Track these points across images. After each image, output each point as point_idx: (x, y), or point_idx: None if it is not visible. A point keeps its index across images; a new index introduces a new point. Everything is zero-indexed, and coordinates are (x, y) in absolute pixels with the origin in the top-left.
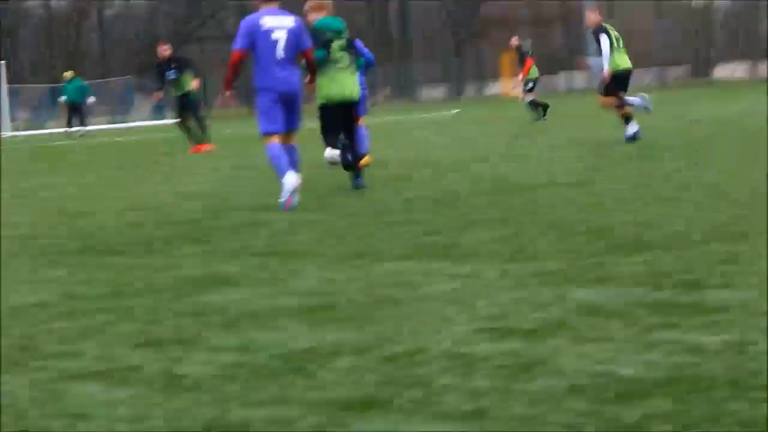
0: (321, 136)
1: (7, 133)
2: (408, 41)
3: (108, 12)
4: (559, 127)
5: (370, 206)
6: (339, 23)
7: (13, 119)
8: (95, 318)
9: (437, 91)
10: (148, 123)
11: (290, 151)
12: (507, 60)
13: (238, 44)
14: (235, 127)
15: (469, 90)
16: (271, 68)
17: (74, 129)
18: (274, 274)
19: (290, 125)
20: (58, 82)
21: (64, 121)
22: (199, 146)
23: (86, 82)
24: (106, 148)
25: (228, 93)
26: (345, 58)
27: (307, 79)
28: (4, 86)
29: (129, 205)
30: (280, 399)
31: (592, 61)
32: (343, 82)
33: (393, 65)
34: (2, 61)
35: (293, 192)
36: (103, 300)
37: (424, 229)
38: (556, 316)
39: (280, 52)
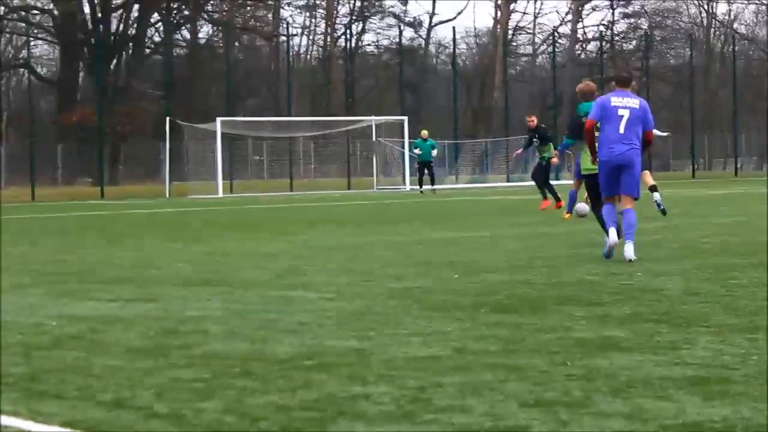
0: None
1: (402, 187)
2: None
3: (511, 72)
4: None
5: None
6: None
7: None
8: (485, 375)
9: None
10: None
11: (625, 213)
12: None
13: (590, 115)
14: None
15: None
16: (610, 142)
17: (427, 188)
18: (666, 342)
19: (621, 190)
20: (456, 139)
21: (453, 177)
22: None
23: (436, 142)
24: (498, 205)
25: (592, 159)
26: None
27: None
28: (407, 141)
29: (521, 263)
30: None
31: None
32: None
33: None
34: (405, 116)
35: (613, 247)
36: (494, 357)
37: None
38: None
39: (621, 128)
